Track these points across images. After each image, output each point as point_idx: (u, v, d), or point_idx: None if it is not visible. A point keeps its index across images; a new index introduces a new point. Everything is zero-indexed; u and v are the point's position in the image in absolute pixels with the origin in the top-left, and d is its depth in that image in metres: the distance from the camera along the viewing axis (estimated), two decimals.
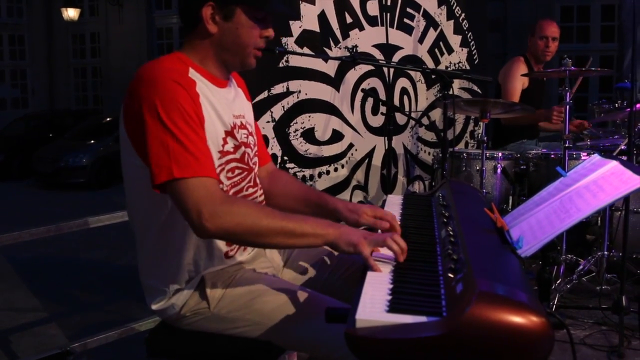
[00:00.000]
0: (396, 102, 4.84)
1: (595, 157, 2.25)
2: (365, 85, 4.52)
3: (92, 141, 14.33)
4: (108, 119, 15.43)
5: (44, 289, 5.81)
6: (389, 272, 1.71)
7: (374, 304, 1.48)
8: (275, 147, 3.82)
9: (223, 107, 2.02)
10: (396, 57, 4.84)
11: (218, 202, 1.77)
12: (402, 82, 4.93)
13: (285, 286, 2.01)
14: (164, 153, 1.77)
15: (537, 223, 1.98)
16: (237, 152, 2.06)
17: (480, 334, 1.33)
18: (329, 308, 1.60)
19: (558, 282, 4.00)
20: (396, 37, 4.84)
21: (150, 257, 2.03)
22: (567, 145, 3.99)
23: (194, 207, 1.75)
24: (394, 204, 2.50)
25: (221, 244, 2.02)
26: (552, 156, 4.43)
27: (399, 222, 2.13)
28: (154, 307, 2.03)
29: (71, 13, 18.76)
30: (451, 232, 1.88)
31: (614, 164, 2.09)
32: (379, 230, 2.01)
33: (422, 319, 1.40)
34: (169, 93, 1.82)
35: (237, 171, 2.06)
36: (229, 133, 2.02)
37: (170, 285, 2.00)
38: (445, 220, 2.04)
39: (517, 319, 1.33)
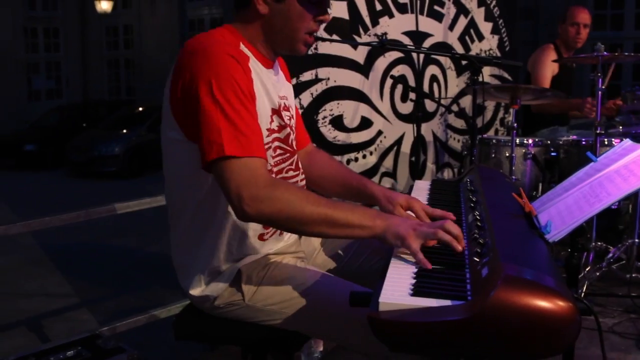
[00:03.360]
0: (426, 89, 4.81)
1: (627, 142, 2.21)
2: (394, 72, 4.49)
3: (125, 131, 14.50)
4: (140, 109, 15.63)
5: (77, 275, 5.91)
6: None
7: (397, 288, 1.48)
8: None
9: (270, 86, 1.99)
10: (426, 44, 4.80)
11: (261, 186, 1.71)
12: (432, 69, 4.90)
13: (316, 276, 1.97)
14: (215, 130, 1.72)
15: (566, 208, 1.95)
16: (282, 133, 2.03)
17: (505, 318, 1.31)
18: (353, 292, 1.60)
19: (587, 269, 3.96)
20: (426, 24, 4.80)
21: (184, 236, 2.00)
22: (598, 131, 3.95)
23: (236, 189, 1.70)
24: (421, 189, 2.50)
25: (257, 227, 1.98)
26: (584, 143, 4.37)
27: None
28: (190, 292, 2.00)
29: (104, 5, 18.97)
30: (478, 217, 1.86)
31: None
32: None
33: (446, 302, 1.39)
34: (224, 67, 1.77)
35: (278, 151, 2.03)
36: (276, 111, 2.00)
37: (205, 270, 1.98)
38: (472, 205, 2.03)
39: (543, 303, 1.32)
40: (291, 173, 2.11)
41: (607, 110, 4.97)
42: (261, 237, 2.01)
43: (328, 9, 1.99)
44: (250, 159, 1.73)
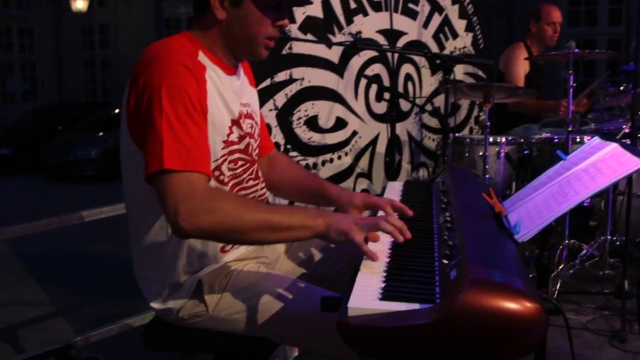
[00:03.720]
0: (400, 88, 4.81)
1: (596, 139, 2.24)
2: (369, 71, 4.49)
3: (101, 133, 14.41)
4: (117, 111, 15.50)
5: (52, 283, 5.84)
6: (385, 260, 1.69)
7: (366, 292, 1.48)
8: (278, 136, 3.80)
9: (231, 95, 1.96)
10: (400, 43, 4.81)
11: (197, 199, 1.67)
12: (407, 68, 4.91)
13: (282, 282, 1.95)
14: (158, 142, 1.69)
15: (535, 208, 1.97)
16: (242, 143, 2.00)
17: (473, 320, 1.32)
18: (324, 297, 1.59)
19: (561, 267, 3.98)
20: (400, 22, 4.80)
21: (144, 249, 1.96)
22: (570, 129, 3.97)
23: (172, 204, 1.66)
24: (394, 190, 2.50)
25: None
26: (556, 140, 4.39)
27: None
28: (152, 305, 1.99)
29: (80, 4, 18.85)
30: (448, 218, 1.87)
31: (613, 146, 2.08)
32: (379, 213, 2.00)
33: (415, 306, 1.40)
34: (176, 78, 1.75)
35: (239, 162, 2.01)
36: (235, 122, 1.97)
37: (166, 282, 1.95)
38: (443, 206, 2.04)
39: (510, 304, 1.33)
40: (251, 182, 2.09)
41: (580, 106, 5.01)
42: (222, 249, 2.00)
43: (284, 14, 1.97)
44: (191, 173, 1.69)
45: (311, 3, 3.80)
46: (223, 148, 1.93)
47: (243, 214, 1.70)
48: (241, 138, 2.00)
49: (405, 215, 1.99)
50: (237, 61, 2.03)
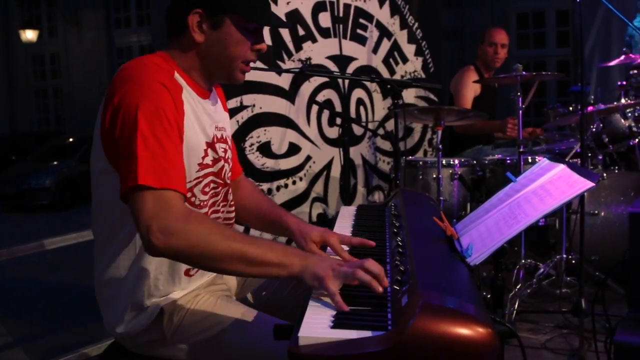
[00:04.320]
0: (352, 112, 4.83)
1: (544, 161, 2.25)
2: (320, 97, 4.50)
3: (55, 162, 14.25)
4: (70, 140, 15.40)
5: (10, 313, 5.72)
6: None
7: (318, 320, 1.46)
8: None
9: (205, 118, 1.94)
10: (351, 68, 4.83)
11: (173, 219, 1.62)
12: (358, 93, 4.93)
13: (238, 312, 1.91)
14: (133, 159, 1.65)
15: (486, 230, 1.97)
16: (215, 166, 1.98)
17: (425, 347, 1.30)
18: (277, 325, 1.57)
19: (518, 287, 4.00)
20: (350, 48, 4.84)
21: (109, 269, 1.91)
22: (521, 150, 4.02)
23: (146, 220, 1.61)
24: (347, 215, 2.49)
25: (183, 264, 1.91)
26: (508, 161, 4.44)
27: (350, 235, 2.12)
28: (116, 329, 1.93)
29: (29, 35, 18.67)
30: (400, 243, 1.86)
31: (561, 167, 2.09)
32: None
33: (367, 333, 1.37)
34: (153, 95, 1.71)
35: (212, 185, 1.98)
36: (210, 145, 1.94)
37: (128, 304, 1.90)
38: (395, 230, 2.03)
39: (461, 330, 1.31)
40: (221, 206, 2.06)
41: (529, 135, 5.10)
42: (187, 273, 1.95)
43: (262, 39, 1.96)
44: (166, 191, 1.65)
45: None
46: (197, 170, 1.90)
47: (219, 241, 1.65)
48: (215, 161, 1.98)
49: (368, 245, 1.99)
50: (211, 84, 2.01)
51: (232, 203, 2.15)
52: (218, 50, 1.90)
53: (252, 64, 2.00)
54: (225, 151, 2.06)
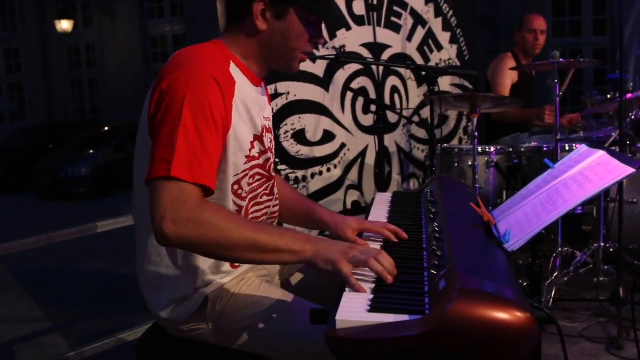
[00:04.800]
0: (387, 100, 4.81)
1: (583, 147, 2.23)
2: (354, 84, 4.49)
3: (91, 151, 14.40)
4: (106, 128, 15.56)
5: (48, 299, 5.83)
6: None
7: (355, 305, 1.46)
8: None
9: (255, 108, 1.94)
10: (385, 56, 4.81)
11: (188, 209, 1.63)
12: (392, 81, 4.90)
13: (279, 299, 1.92)
14: (171, 148, 1.65)
15: (524, 216, 1.95)
16: (261, 158, 1.98)
17: (462, 331, 1.30)
18: (313, 310, 1.57)
19: (555, 275, 3.97)
20: (384, 35, 4.81)
21: (154, 256, 1.92)
22: (558, 137, 3.97)
23: (160, 209, 1.62)
24: (382, 202, 2.49)
25: None
26: (545, 149, 4.40)
27: (386, 221, 2.11)
28: (158, 313, 1.95)
29: (65, 25, 18.83)
30: (437, 229, 1.85)
31: (601, 153, 2.07)
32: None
33: (404, 317, 1.37)
34: (202, 87, 1.71)
35: (257, 177, 1.98)
36: (258, 137, 1.94)
37: (174, 292, 1.91)
38: (432, 216, 2.02)
39: (500, 314, 1.31)
40: (265, 198, 2.06)
41: (568, 123, 5.03)
42: (233, 265, 1.96)
43: (321, 32, 1.96)
44: (190, 184, 1.66)
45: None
46: (245, 163, 1.90)
47: (230, 230, 1.65)
48: (261, 153, 1.98)
49: (400, 237, 1.97)
50: (267, 73, 2.01)
51: (277, 197, 2.15)
52: (279, 40, 1.90)
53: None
54: (271, 141, 2.07)
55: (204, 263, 1.90)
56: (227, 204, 1.89)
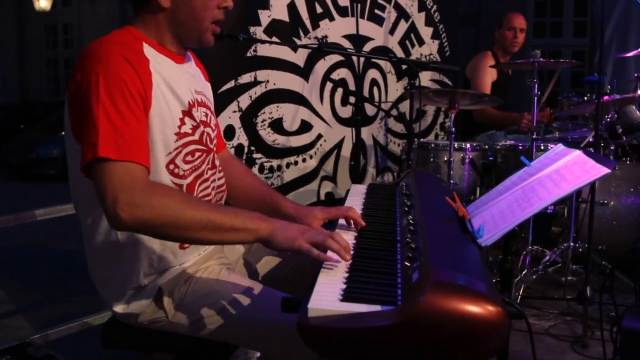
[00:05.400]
0: (366, 93, 4.82)
1: (560, 146, 2.24)
2: (334, 75, 4.49)
3: (64, 132, 14.13)
4: None
5: (12, 281, 5.74)
6: (347, 261, 1.67)
7: (327, 293, 1.45)
8: (242, 137, 3.78)
9: (182, 83, 1.92)
10: (366, 48, 4.81)
11: (138, 190, 1.62)
12: (372, 73, 4.91)
13: (241, 286, 1.91)
14: (94, 131, 1.64)
15: (499, 212, 1.96)
16: (196, 133, 1.95)
17: (434, 323, 1.30)
18: (285, 298, 1.56)
19: (524, 272, 4.01)
20: (367, 28, 4.81)
21: (101, 250, 1.91)
22: (534, 137, 4.00)
23: (111, 192, 1.60)
24: (357, 193, 2.48)
25: None
26: (520, 148, 4.44)
27: (361, 212, 2.10)
28: (113, 309, 1.94)
29: (43, 3, 18.61)
30: (411, 221, 1.85)
31: (577, 153, 2.08)
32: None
33: (376, 307, 1.37)
34: (114, 68, 1.70)
35: (197, 154, 1.95)
36: (187, 113, 1.92)
37: (125, 285, 1.90)
38: (406, 209, 2.02)
39: (472, 307, 1.31)
40: (209, 173, 2.04)
41: (544, 117, 5.06)
42: (182, 246, 1.94)
43: None
44: (129, 163, 1.65)
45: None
46: (176, 140, 1.88)
47: (184, 209, 1.65)
48: (195, 128, 1.95)
49: (358, 225, 1.97)
50: (185, 49, 2.00)
51: (221, 169, 2.13)
52: (185, 12, 1.89)
53: (267, 39, 1.99)
54: (206, 115, 2.04)
55: (150, 252, 1.89)
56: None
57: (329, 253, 1.67)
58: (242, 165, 2.39)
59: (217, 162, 2.10)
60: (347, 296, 1.43)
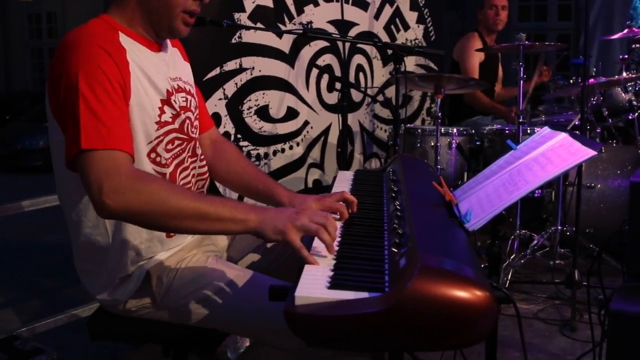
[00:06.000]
0: (352, 78, 4.80)
1: (546, 129, 2.23)
2: (320, 61, 4.47)
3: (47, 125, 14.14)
4: None
5: (0, 274, 5.71)
6: (334, 248, 1.66)
7: (315, 281, 1.44)
8: (228, 125, 3.76)
9: (157, 72, 1.91)
10: (351, 33, 4.79)
11: (124, 177, 1.60)
12: (358, 59, 4.89)
13: (229, 272, 1.90)
14: (75, 124, 1.63)
15: (485, 196, 1.96)
16: (176, 122, 1.94)
17: (422, 309, 1.29)
18: (272, 286, 1.55)
19: (512, 257, 4.02)
20: (351, 13, 4.79)
21: (87, 244, 1.91)
22: (520, 120, 4.01)
23: (96, 180, 1.58)
24: (344, 179, 2.47)
25: None
26: (507, 132, 4.44)
27: None
28: (98, 297, 1.94)
29: None
30: (398, 207, 1.84)
31: (563, 136, 2.07)
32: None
33: (363, 294, 1.36)
34: (92, 59, 1.69)
35: (177, 142, 1.95)
36: (166, 102, 1.91)
37: (113, 276, 1.90)
38: (393, 195, 2.01)
39: (459, 293, 1.30)
40: (190, 161, 2.03)
41: (544, 76, 5.06)
42: (169, 235, 1.94)
43: None
44: (113, 151, 1.63)
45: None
46: (157, 130, 1.87)
47: (170, 197, 1.61)
48: (175, 116, 1.94)
49: (351, 209, 1.94)
50: (159, 37, 1.97)
51: (202, 157, 2.13)
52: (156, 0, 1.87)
53: (251, 24, 1.97)
54: (186, 100, 2.03)
55: (137, 242, 1.88)
56: None
57: (316, 242, 1.63)
58: (234, 149, 2.34)
59: (198, 151, 2.09)
60: (334, 283, 1.42)
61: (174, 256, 1.96)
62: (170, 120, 1.92)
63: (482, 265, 3.44)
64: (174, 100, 1.94)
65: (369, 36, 4.95)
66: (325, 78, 4.48)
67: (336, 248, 1.65)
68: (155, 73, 1.89)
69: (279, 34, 4.06)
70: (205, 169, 2.14)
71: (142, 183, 1.61)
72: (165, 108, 1.91)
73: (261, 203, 2.18)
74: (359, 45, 4.90)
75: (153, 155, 1.87)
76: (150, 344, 3.08)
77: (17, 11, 19.50)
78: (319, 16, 4.44)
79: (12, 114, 15.78)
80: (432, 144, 4.28)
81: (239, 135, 3.84)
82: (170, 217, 1.62)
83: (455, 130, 4.44)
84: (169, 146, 1.92)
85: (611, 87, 4.55)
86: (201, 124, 2.18)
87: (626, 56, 4.86)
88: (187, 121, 2.00)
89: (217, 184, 2.51)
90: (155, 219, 1.63)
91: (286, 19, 4.15)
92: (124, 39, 1.85)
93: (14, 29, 19.87)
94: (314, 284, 1.43)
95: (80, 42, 1.73)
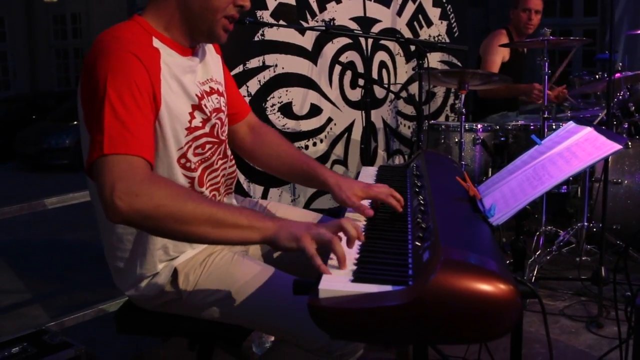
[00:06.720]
0: (375, 75, 4.79)
1: (571, 124, 2.22)
2: (343, 58, 4.46)
3: (75, 122, 14.24)
4: None
5: (29, 270, 5.80)
6: (357, 242, 1.66)
7: (338, 275, 1.45)
8: None
9: (187, 78, 1.89)
10: (374, 30, 4.77)
11: (138, 180, 1.55)
12: (381, 56, 4.88)
13: (254, 270, 1.91)
14: (100, 128, 1.60)
15: (509, 191, 1.95)
16: (207, 126, 1.94)
17: (445, 302, 1.29)
18: (297, 280, 1.55)
19: (538, 253, 3.99)
20: (374, 9, 4.78)
21: (117, 241, 1.92)
22: (546, 116, 3.98)
23: (109, 182, 1.54)
24: (368, 175, 2.48)
25: None
26: (532, 127, 4.41)
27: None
28: (127, 293, 1.96)
29: None
30: (422, 202, 1.84)
31: (588, 130, 2.06)
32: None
33: (387, 288, 1.37)
34: (122, 65, 1.67)
35: (207, 146, 1.95)
36: (196, 107, 1.90)
37: (141, 270, 1.91)
38: (417, 190, 2.01)
39: (483, 286, 1.30)
40: (220, 162, 2.04)
41: (555, 98, 5.00)
42: None
43: None
44: (132, 156, 1.59)
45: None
46: (187, 135, 1.87)
47: (185, 202, 1.57)
48: (205, 121, 1.94)
49: (396, 209, 1.94)
50: (194, 42, 1.95)
51: (232, 158, 2.13)
52: (199, 3, 1.84)
53: (274, 22, 1.95)
54: (217, 101, 2.02)
55: (165, 241, 1.89)
56: (177, 179, 1.86)
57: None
58: (274, 132, 2.32)
59: (228, 152, 2.10)
60: (358, 277, 1.43)
61: (201, 254, 1.97)
62: (200, 125, 1.92)
63: (507, 262, 3.43)
64: (205, 105, 1.94)
65: (391, 33, 4.93)
66: (348, 74, 4.47)
67: (359, 242, 1.65)
68: (186, 79, 1.88)
69: (302, 31, 4.06)
70: (234, 168, 2.14)
71: (156, 186, 1.57)
72: (196, 113, 1.90)
73: (306, 186, 2.14)
74: (382, 42, 4.88)
75: (183, 160, 1.88)
76: (176, 338, 3.11)
77: (42, 12, 19.67)
78: (341, 13, 4.43)
79: (38, 114, 15.92)
80: (456, 140, 4.27)
81: (256, 118, 3.85)
82: (184, 222, 1.57)
83: (479, 126, 4.42)
84: (198, 150, 1.92)
85: (638, 82, 4.50)
86: (238, 111, 2.19)
87: None
88: (218, 123, 2.00)
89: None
90: (169, 224, 1.57)
91: (308, 16, 4.16)
92: (157, 44, 1.83)
93: (39, 30, 20.05)
94: (338, 278, 1.44)
95: (113, 47, 1.71)
